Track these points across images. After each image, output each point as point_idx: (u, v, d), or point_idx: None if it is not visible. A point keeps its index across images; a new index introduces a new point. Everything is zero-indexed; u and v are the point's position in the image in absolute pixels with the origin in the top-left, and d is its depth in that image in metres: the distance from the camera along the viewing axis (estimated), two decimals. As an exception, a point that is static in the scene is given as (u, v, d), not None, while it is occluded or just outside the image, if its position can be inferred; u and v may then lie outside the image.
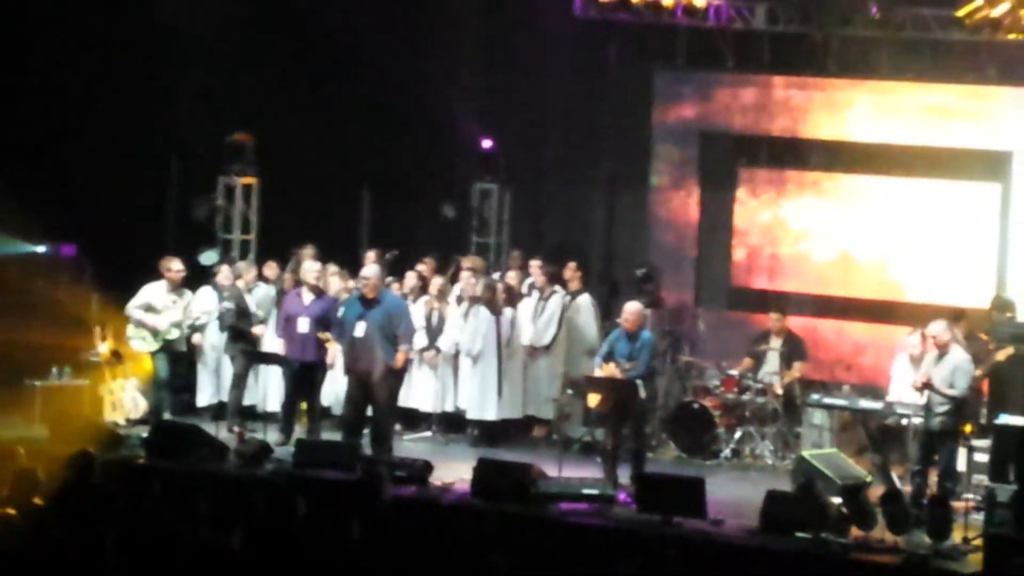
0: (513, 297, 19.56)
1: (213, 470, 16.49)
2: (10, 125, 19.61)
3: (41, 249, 20.31)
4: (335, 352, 18.31)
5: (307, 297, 18.53)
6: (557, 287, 19.80)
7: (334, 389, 18.86)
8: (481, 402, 19.32)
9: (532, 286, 19.95)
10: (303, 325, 18.28)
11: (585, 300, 19.85)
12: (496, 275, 20.04)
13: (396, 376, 17.86)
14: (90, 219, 19.81)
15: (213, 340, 19.54)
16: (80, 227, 19.94)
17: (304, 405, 18.62)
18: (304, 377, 18.45)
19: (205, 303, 19.37)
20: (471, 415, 19.44)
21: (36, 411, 18.42)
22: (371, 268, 18.15)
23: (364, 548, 11.07)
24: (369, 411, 17.78)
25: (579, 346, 19.54)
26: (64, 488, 12.41)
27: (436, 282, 19.84)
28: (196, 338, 19.40)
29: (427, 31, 21.87)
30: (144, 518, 11.85)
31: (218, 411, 19.23)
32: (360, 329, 17.50)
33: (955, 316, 18.16)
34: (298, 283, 19.00)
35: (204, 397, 19.78)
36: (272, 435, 18.09)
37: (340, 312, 18.06)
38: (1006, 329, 18.13)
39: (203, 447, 16.82)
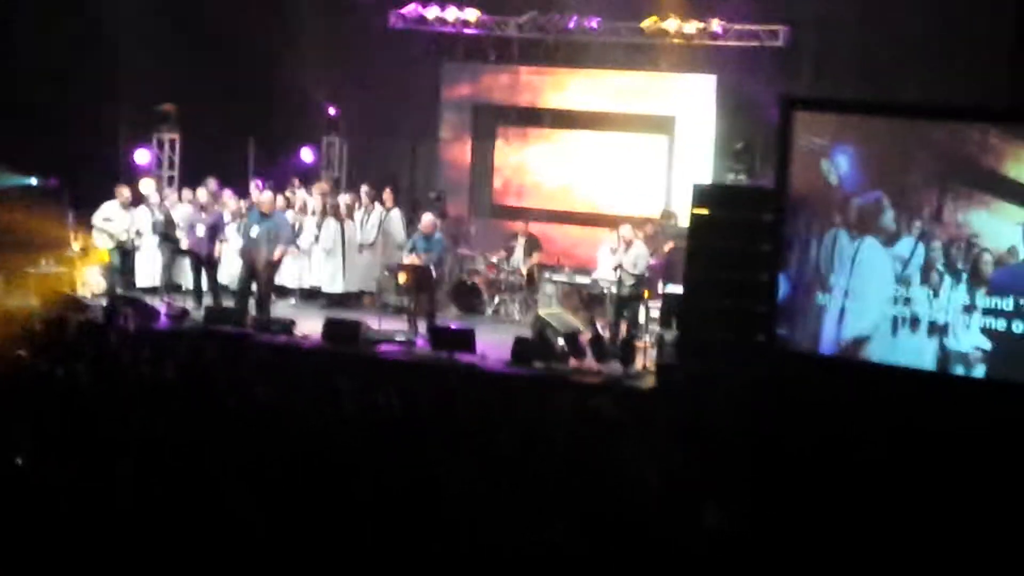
0: (349, 211, 19.63)
1: (151, 326, 16.56)
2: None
3: (34, 181, 20.09)
4: (221, 249, 18.40)
5: (202, 212, 18.60)
6: (377, 204, 19.83)
7: (230, 272, 18.88)
8: (330, 279, 19.47)
9: (359, 203, 19.95)
10: (200, 230, 18.38)
11: (396, 213, 19.94)
12: (340, 197, 20.02)
13: (274, 265, 17.94)
14: (69, 161, 19.59)
15: (151, 241, 19.44)
16: (62, 166, 19.71)
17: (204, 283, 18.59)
18: (200, 264, 18.51)
19: (143, 216, 19.34)
20: (323, 288, 19.55)
21: (31, 289, 18.32)
22: (267, 194, 18.16)
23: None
24: (254, 287, 17.84)
25: (392, 244, 19.64)
26: (50, 339, 12.50)
27: (299, 201, 19.89)
28: (138, 241, 19.32)
29: (296, 35, 21.66)
30: (104, 360, 11.95)
31: (153, 289, 19.21)
32: (255, 232, 17.54)
33: (644, 222, 18.55)
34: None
35: (144, 279, 19.64)
36: (190, 303, 18.22)
37: (244, 221, 18.11)
38: (671, 230, 18.48)
39: (144, 312, 16.91)
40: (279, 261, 18.01)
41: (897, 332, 13.69)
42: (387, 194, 19.90)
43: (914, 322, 13.57)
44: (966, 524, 8.22)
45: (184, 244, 18.77)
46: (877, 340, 13.85)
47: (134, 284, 19.46)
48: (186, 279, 19.22)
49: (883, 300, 13.80)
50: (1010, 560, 7.74)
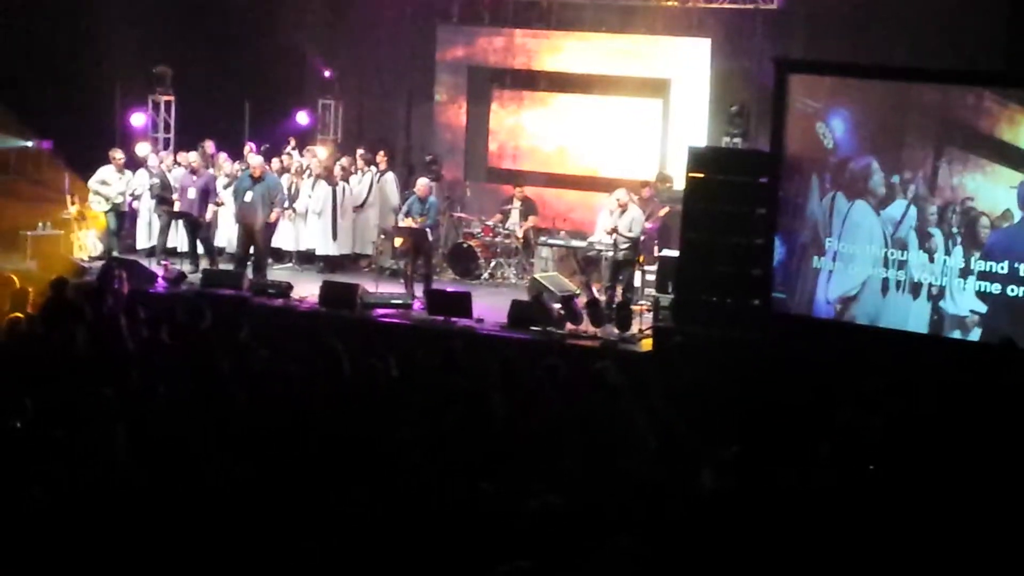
0: (346, 173, 19.56)
1: (148, 289, 16.56)
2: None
3: (29, 144, 20.06)
4: (216, 212, 18.36)
5: (193, 175, 18.50)
6: (372, 167, 19.81)
7: (227, 235, 18.89)
8: (325, 242, 19.44)
9: (355, 166, 19.90)
10: (191, 193, 18.32)
11: (390, 176, 19.93)
12: (340, 161, 19.93)
13: (270, 228, 17.95)
14: (64, 124, 19.50)
15: (147, 204, 19.44)
16: (56, 129, 19.67)
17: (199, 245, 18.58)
18: (194, 227, 18.46)
19: (140, 179, 19.34)
20: (319, 251, 19.53)
21: (28, 252, 18.39)
22: (257, 158, 18.18)
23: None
24: (251, 250, 17.82)
25: (387, 206, 19.61)
26: (48, 302, 12.47)
27: (295, 164, 19.83)
28: (135, 204, 19.36)
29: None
30: (102, 322, 11.93)
31: (150, 251, 19.17)
32: (248, 196, 17.53)
33: (644, 184, 18.50)
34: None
35: (141, 242, 19.69)
36: (186, 266, 18.19)
37: (236, 185, 18.09)
38: (667, 194, 18.44)
39: (141, 274, 16.86)
40: (275, 223, 18.05)
41: (888, 294, 13.65)
42: (382, 157, 19.87)
43: (910, 285, 13.52)
44: (959, 482, 8.20)
45: (176, 207, 18.71)
46: (864, 301, 13.82)
47: (133, 247, 19.51)
48: (182, 242, 19.17)
49: (871, 262, 13.73)
50: (1002, 522, 7.73)
